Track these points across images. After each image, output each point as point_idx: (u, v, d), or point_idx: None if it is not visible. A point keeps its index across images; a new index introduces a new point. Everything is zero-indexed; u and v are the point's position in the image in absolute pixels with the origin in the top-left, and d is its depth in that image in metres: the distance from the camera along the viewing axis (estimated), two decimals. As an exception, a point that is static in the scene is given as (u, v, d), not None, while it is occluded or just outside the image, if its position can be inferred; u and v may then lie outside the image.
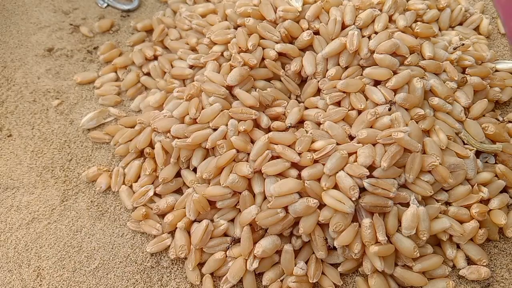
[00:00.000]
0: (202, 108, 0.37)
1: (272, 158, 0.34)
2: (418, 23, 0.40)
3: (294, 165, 0.34)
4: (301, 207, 0.32)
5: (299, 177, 0.34)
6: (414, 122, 0.34)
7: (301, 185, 0.32)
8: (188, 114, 0.37)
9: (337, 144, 0.34)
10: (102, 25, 0.50)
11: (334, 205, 0.31)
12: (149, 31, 0.49)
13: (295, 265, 0.33)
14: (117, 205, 0.38)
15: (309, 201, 0.32)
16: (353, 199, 0.31)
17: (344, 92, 0.37)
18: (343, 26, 0.39)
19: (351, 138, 0.35)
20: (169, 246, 0.35)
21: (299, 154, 0.33)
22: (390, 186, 0.32)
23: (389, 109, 0.34)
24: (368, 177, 0.32)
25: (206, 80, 0.38)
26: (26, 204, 0.38)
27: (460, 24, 0.46)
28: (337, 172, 0.32)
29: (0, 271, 0.35)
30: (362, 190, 0.32)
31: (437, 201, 0.34)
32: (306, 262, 0.33)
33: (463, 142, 0.36)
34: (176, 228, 0.35)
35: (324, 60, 0.39)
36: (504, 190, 0.36)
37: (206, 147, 0.35)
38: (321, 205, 0.33)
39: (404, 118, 0.34)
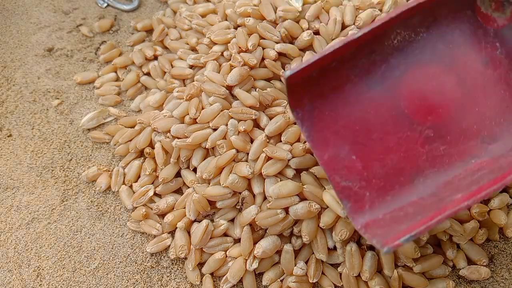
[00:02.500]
0: (202, 108, 0.37)
1: (270, 158, 0.34)
2: (418, 23, 0.40)
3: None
4: (302, 211, 0.32)
5: (298, 175, 0.34)
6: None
7: (300, 188, 0.32)
8: (188, 114, 0.37)
9: None
10: (102, 25, 0.50)
11: (331, 205, 0.31)
12: (149, 31, 0.49)
13: (295, 265, 0.33)
14: (117, 205, 0.38)
15: (311, 206, 0.32)
16: None
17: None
18: (343, 26, 0.39)
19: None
20: (169, 246, 0.35)
21: (291, 146, 0.34)
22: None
23: None
24: None
25: (206, 80, 0.38)
26: (26, 204, 0.38)
27: (460, 24, 0.46)
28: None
29: (0, 271, 0.35)
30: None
31: (437, 201, 0.34)
32: (306, 262, 0.33)
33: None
34: (176, 228, 0.35)
35: (324, 60, 0.39)
36: (504, 190, 0.36)
37: (206, 147, 0.35)
38: (321, 209, 0.33)
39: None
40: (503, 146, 0.28)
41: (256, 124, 0.37)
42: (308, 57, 0.31)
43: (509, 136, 0.28)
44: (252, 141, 0.36)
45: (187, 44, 0.44)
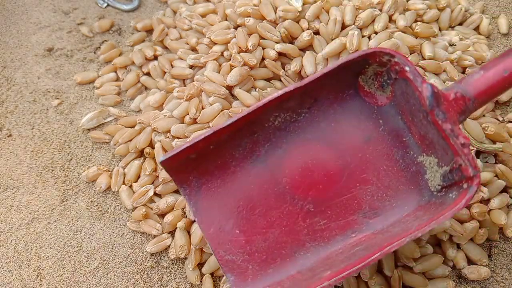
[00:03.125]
0: (202, 108, 0.37)
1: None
2: (418, 23, 0.40)
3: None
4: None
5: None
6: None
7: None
8: (188, 114, 0.37)
9: None
10: (102, 25, 0.50)
11: None
12: (149, 31, 0.49)
13: (295, 265, 0.33)
14: (117, 205, 0.38)
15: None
16: None
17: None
18: (343, 26, 0.39)
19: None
20: (169, 246, 0.35)
21: None
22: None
23: None
24: None
25: (206, 80, 0.38)
26: (26, 204, 0.38)
27: (460, 24, 0.46)
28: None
29: (0, 271, 0.35)
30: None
31: (437, 201, 0.34)
32: (306, 262, 0.33)
33: (463, 142, 0.36)
34: (176, 228, 0.35)
35: (324, 60, 0.39)
36: (504, 190, 0.36)
37: (206, 147, 0.35)
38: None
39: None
40: (384, 221, 0.29)
41: (256, 124, 0.37)
42: (180, 144, 0.33)
43: (391, 211, 0.29)
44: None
45: (187, 44, 0.44)
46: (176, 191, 0.38)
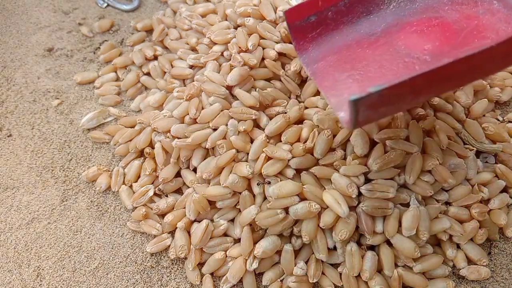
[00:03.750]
0: (202, 108, 0.37)
1: (270, 158, 0.34)
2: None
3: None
4: (302, 211, 0.32)
5: (298, 175, 0.34)
6: (415, 121, 0.34)
7: (300, 188, 0.32)
8: (188, 114, 0.37)
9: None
10: (102, 25, 0.50)
11: (331, 205, 0.31)
12: (149, 31, 0.49)
13: (295, 265, 0.33)
14: (117, 205, 0.38)
15: (311, 206, 0.32)
16: (353, 196, 0.31)
17: (344, 92, 0.37)
18: (343, 26, 0.39)
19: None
20: (169, 246, 0.35)
21: (291, 146, 0.34)
22: (388, 187, 0.32)
23: None
24: (364, 182, 0.32)
25: (206, 80, 0.38)
26: (26, 204, 0.38)
27: (460, 24, 0.46)
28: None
29: (0, 271, 0.35)
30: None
31: (437, 201, 0.34)
32: (306, 262, 0.33)
33: (463, 142, 0.36)
34: (176, 228, 0.35)
35: (324, 60, 0.39)
36: (504, 190, 0.36)
37: (206, 147, 0.35)
38: (321, 209, 0.33)
39: (405, 117, 0.34)
40: None
41: (256, 124, 0.37)
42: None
43: None
44: (252, 141, 0.36)
45: (187, 44, 0.44)
46: (176, 191, 0.38)
